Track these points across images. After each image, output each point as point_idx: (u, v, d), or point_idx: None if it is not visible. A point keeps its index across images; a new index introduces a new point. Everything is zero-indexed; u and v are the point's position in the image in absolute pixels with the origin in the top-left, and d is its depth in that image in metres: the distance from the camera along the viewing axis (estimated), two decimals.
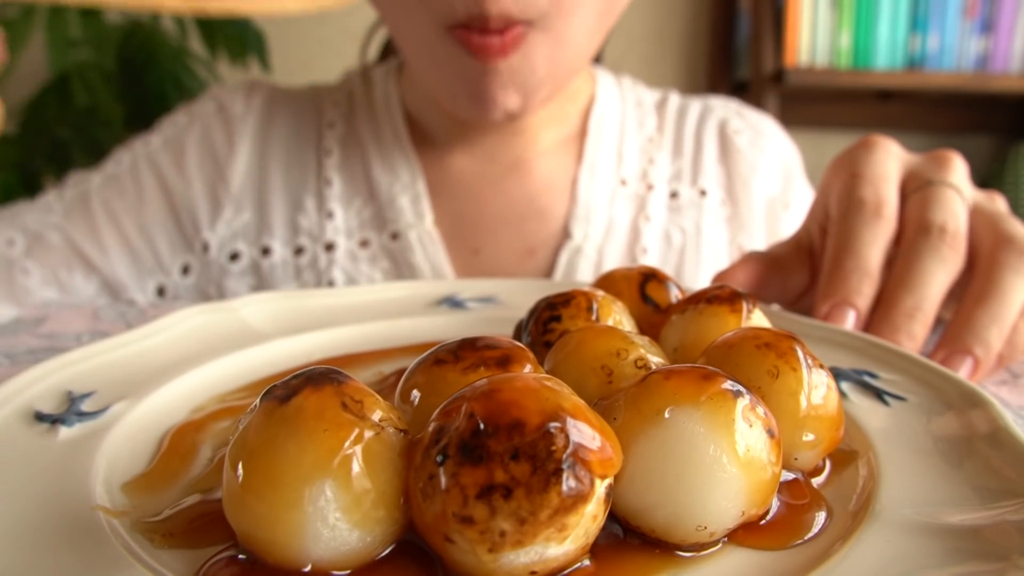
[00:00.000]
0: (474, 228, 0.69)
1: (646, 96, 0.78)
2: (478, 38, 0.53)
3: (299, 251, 0.69)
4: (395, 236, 0.68)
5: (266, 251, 0.69)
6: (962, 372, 0.37)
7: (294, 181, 0.71)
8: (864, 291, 0.41)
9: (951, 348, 0.37)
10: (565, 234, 0.68)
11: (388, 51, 0.85)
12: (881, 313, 0.40)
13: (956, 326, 0.38)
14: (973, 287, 0.39)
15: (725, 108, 0.78)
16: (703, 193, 0.72)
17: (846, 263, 0.41)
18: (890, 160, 0.45)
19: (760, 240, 0.73)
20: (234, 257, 0.69)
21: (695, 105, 0.78)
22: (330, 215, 0.69)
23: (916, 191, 0.43)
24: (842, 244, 0.42)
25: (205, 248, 0.70)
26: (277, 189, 0.70)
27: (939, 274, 0.40)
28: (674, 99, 0.79)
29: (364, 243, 0.68)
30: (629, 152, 0.73)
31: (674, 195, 0.72)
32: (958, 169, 0.44)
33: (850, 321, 0.40)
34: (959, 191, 0.43)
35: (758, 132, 0.77)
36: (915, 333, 0.39)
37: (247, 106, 0.74)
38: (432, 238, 0.67)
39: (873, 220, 0.42)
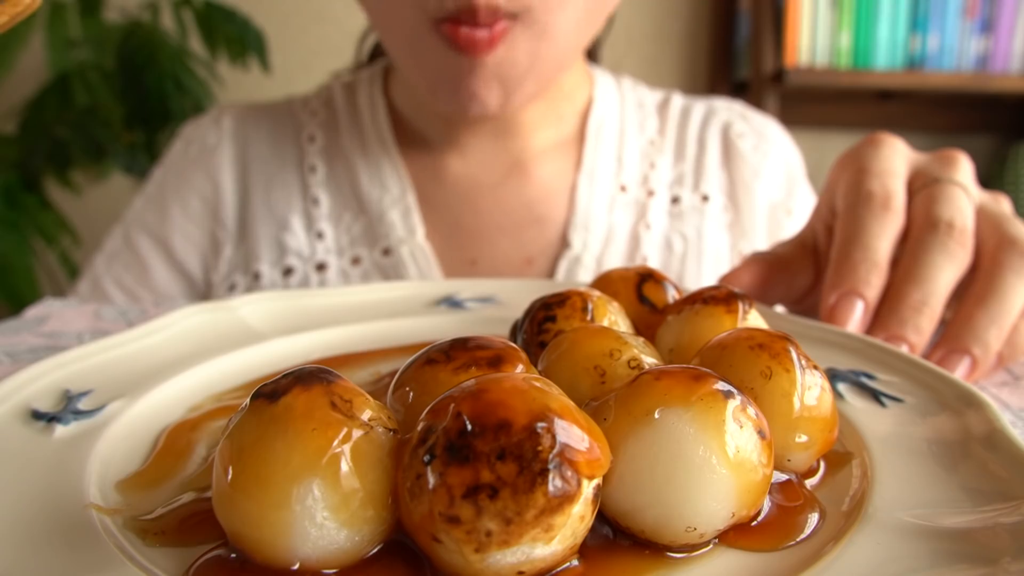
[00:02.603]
0: (470, 238, 0.67)
1: (647, 97, 0.76)
2: (466, 31, 0.53)
3: (288, 271, 0.67)
4: (387, 252, 0.66)
5: (256, 276, 0.67)
6: (959, 371, 0.37)
7: (278, 201, 0.69)
8: (872, 282, 0.40)
9: (949, 347, 0.37)
10: (564, 243, 0.67)
11: (376, 54, 0.84)
12: (888, 307, 0.40)
13: (956, 326, 0.38)
14: (975, 288, 0.39)
15: (729, 110, 0.76)
16: (705, 198, 0.71)
17: (854, 254, 0.41)
18: (897, 156, 0.45)
19: (762, 247, 0.71)
20: (232, 288, 0.68)
21: (699, 107, 0.76)
22: (320, 235, 0.67)
23: (923, 188, 0.43)
24: (850, 235, 0.42)
25: (210, 287, 0.69)
26: (260, 211, 0.69)
27: (946, 269, 0.39)
28: (677, 100, 0.77)
29: (355, 260, 0.67)
30: (629, 156, 0.72)
31: (675, 200, 0.71)
32: (965, 168, 0.44)
33: (858, 311, 0.40)
34: (966, 189, 0.43)
35: (762, 136, 0.75)
36: (922, 327, 0.38)
37: (219, 134, 0.72)
38: (425, 253, 0.66)
39: (881, 212, 0.42)
